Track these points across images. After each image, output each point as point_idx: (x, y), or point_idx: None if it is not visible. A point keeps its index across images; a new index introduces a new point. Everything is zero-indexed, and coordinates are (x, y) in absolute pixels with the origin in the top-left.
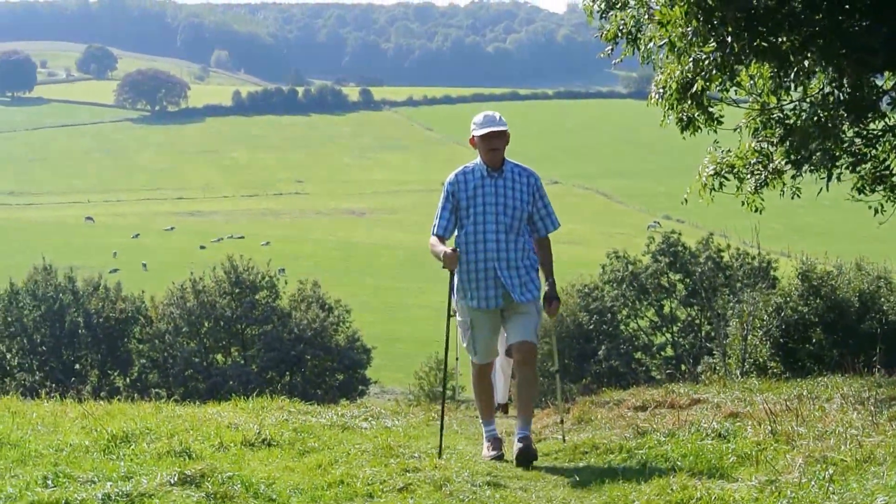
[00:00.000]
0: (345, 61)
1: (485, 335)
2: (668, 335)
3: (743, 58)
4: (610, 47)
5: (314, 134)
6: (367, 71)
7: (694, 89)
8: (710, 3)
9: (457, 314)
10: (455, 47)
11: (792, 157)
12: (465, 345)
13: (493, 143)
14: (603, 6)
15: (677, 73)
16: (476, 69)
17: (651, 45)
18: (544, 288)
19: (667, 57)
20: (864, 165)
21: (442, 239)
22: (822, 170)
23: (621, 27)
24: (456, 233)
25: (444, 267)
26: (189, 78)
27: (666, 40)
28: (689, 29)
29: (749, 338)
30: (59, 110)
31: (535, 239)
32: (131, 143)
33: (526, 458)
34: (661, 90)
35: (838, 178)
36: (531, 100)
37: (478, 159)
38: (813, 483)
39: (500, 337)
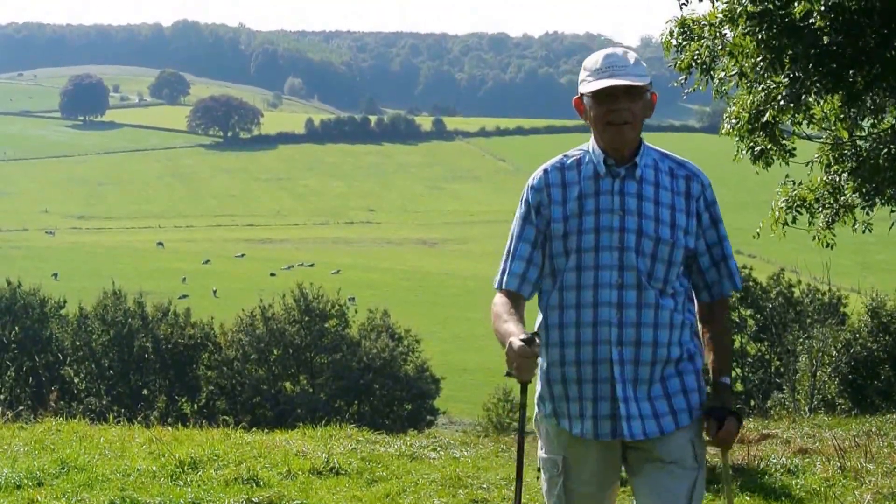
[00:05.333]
0: (418, 90)
1: (585, 490)
2: (738, 370)
3: (814, 92)
4: (683, 76)
5: (386, 163)
6: (439, 100)
7: (765, 118)
8: (781, 41)
9: (539, 449)
10: (528, 78)
11: (863, 189)
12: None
13: (617, 111)
14: (681, 40)
15: (748, 101)
16: (549, 100)
17: (723, 75)
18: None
19: (738, 86)
20: None
21: (514, 300)
22: (893, 203)
23: (696, 57)
24: (545, 287)
25: (508, 373)
26: (262, 105)
27: (737, 70)
28: (759, 59)
29: (818, 374)
30: (131, 135)
31: (698, 303)
32: (203, 169)
33: None
34: (734, 121)
35: None
36: None
37: (589, 143)
38: None
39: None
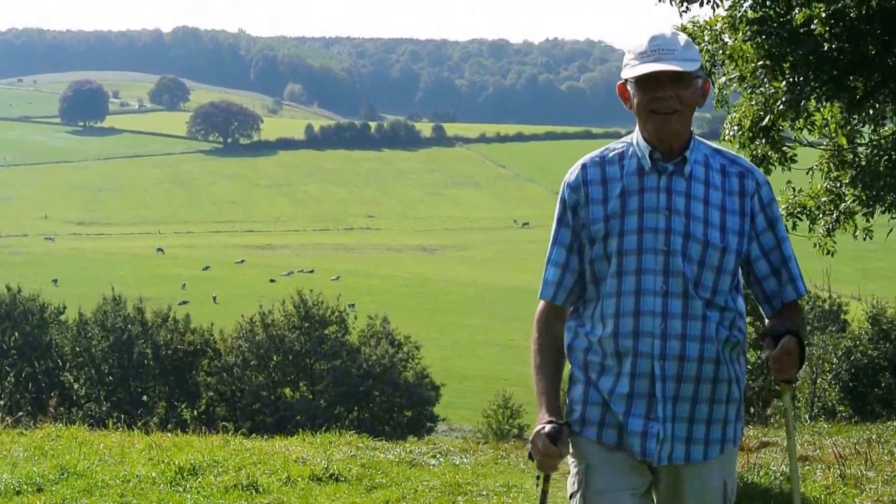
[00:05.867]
0: (418, 97)
1: (607, 499)
2: None
3: (814, 98)
4: None
5: (386, 169)
6: (439, 107)
7: (764, 122)
8: (781, 48)
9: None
10: (528, 85)
11: (863, 196)
12: None
13: (662, 99)
14: None
15: (745, 106)
16: (549, 107)
17: (723, 79)
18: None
19: (738, 91)
20: None
21: (554, 316)
22: (893, 210)
23: None
24: (588, 296)
25: (531, 456)
26: (262, 111)
27: (737, 75)
28: (759, 64)
29: (818, 381)
30: (131, 141)
31: (766, 317)
32: (203, 175)
33: None
34: (735, 128)
35: None
36: (604, 139)
37: (633, 134)
38: None
39: None
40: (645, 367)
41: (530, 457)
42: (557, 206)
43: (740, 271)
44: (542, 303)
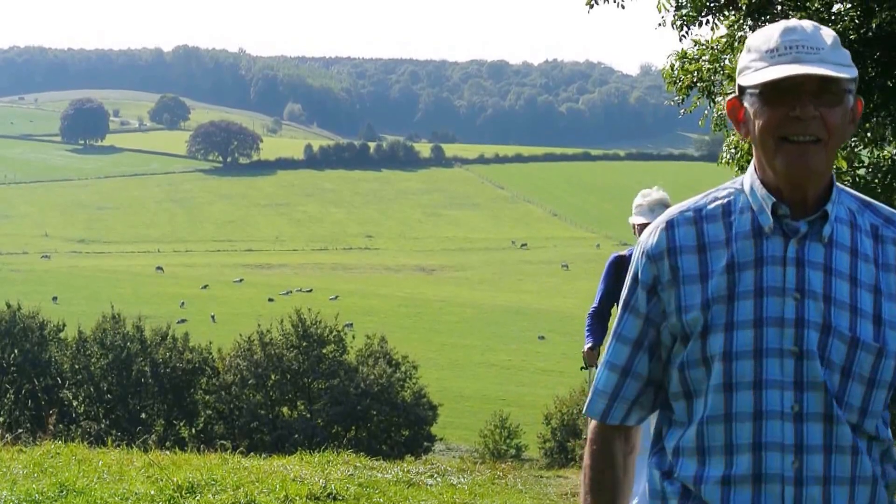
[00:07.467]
0: (417, 117)
1: None
2: None
3: None
4: (680, 98)
5: (385, 189)
6: (439, 127)
7: None
8: None
9: None
10: (528, 106)
11: None
12: None
13: (801, 121)
14: (681, 74)
15: None
16: (548, 128)
17: (720, 99)
18: None
19: None
20: None
21: (612, 441)
22: None
23: (695, 80)
24: (676, 415)
25: None
26: (261, 130)
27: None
28: None
29: None
30: (131, 159)
31: None
32: (202, 195)
33: None
34: (734, 150)
35: None
36: (603, 160)
37: (744, 178)
38: None
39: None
40: None
41: None
42: (627, 281)
43: None
44: (593, 424)
